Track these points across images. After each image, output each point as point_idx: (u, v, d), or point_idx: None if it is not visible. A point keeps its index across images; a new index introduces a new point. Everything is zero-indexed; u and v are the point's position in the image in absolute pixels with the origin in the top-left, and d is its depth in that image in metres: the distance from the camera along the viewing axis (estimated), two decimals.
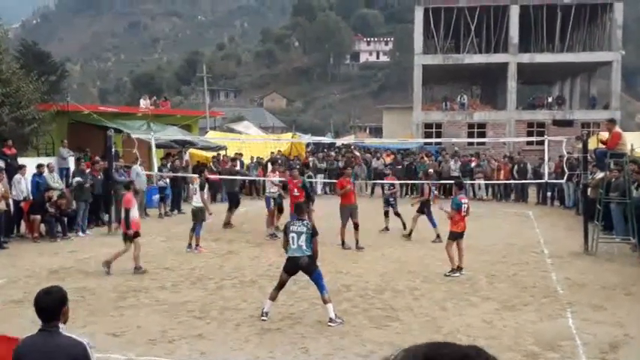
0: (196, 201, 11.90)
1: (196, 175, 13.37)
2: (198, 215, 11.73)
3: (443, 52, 36.76)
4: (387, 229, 14.02)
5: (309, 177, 15.60)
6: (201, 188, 11.94)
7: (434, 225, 12.71)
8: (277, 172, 14.48)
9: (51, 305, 3.33)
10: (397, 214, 13.95)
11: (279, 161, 18.68)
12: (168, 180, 17.27)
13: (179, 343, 6.58)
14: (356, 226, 11.86)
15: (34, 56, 40.13)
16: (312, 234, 7.31)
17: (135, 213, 10.13)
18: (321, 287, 7.22)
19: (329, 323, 7.08)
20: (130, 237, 9.89)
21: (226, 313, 7.63)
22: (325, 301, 7.19)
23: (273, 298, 7.38)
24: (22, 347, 3.37)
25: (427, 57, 35.62)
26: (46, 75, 21.33)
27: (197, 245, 11.65)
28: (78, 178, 13.97)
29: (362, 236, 12.23)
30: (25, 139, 16.86)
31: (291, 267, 7.30)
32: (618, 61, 33.49)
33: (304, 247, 7.20)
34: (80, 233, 13.61)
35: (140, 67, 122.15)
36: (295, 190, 12.44)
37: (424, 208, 12.91)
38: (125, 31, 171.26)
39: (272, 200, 13.68)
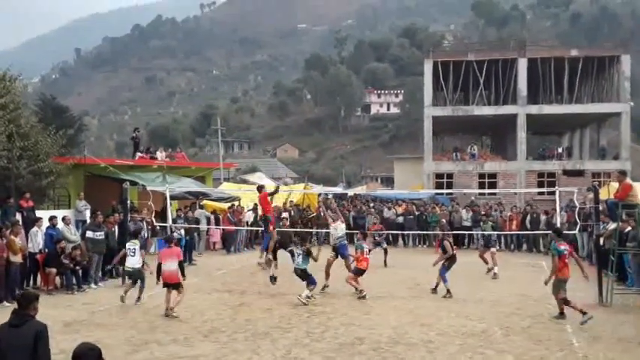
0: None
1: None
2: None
3: (452, 103, 37.39)
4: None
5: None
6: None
7: (445, 281, 12.59)
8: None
9: None
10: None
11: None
12: (182, 231, 17.46)
13: None
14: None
15: (53, 110, 41.45)
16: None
17: None
18: None
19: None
20: None
21: None
22: None
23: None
24: None
25: (437, 109, 36.23)
26: (64, 128, 21.79)
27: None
28: (90, 233, 14.09)
29: (374, 286, 12.36)
30: (42, 191, 17.17)
31: None
32: (627, 112, 33.80)
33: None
34: (93, 285, 13.68)
35: (156, 119, 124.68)
36: None
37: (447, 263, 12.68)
38: (142, 86, 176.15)
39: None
